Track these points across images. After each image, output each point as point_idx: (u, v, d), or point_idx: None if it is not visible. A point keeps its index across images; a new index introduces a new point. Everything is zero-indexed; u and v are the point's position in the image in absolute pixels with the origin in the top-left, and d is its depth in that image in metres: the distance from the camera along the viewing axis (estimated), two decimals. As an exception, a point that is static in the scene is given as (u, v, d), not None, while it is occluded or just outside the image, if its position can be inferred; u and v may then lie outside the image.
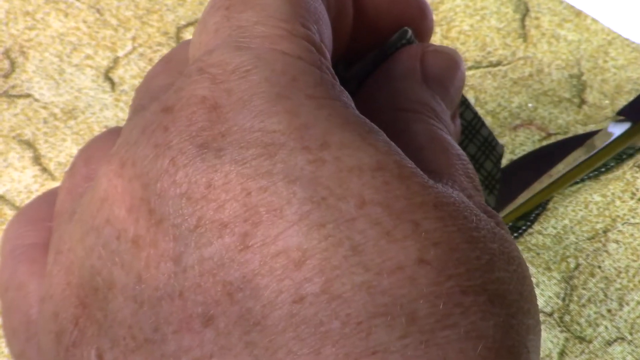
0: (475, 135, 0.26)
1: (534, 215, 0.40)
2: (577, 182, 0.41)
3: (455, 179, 0.18)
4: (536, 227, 0.40)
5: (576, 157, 0.41)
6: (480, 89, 0.47)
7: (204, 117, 0.16)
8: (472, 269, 0.15)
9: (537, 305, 0.17)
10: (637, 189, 0.41)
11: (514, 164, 0.42)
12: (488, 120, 0.45)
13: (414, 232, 0.15)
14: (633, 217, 0.39)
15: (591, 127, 0.44)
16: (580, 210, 0.40)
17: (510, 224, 0.39)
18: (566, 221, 0.40)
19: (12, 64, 0.46)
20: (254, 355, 0.14)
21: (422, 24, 0.23)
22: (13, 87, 0.45)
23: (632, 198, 0.41)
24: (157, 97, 0.17)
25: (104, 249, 0.16)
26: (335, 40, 0.21)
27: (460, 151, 0.19)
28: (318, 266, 0.14)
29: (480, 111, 0.45)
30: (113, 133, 0.19)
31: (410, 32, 0.23)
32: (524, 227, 0.40)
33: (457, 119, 0.23)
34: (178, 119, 0.16)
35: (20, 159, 0.42)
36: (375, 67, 0.22)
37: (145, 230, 0.15)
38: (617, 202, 0.40)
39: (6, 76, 0.45)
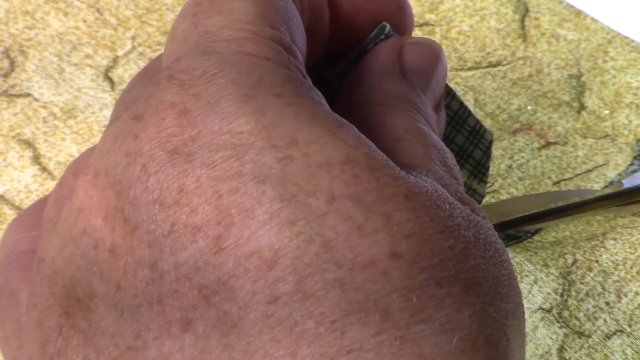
0: (463, 125, 0.26)
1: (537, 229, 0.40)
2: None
3: (430, 168, 0.18)
4: (536, 237, 0.40)
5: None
6: (480, 90, 0.47)
7: (174, 122, 0.16)
8: (445, 259, 0.15)
9: (517, 288, 0.16)
10: None
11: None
12: (487, 123, 0.45)
13: (386, 225, 0.15)
14: (632, 223, 0.39)
15: (590, 141, 0.44)
16: (581, 225, 0.40)
17: (512, 232, 0.39)
18: (567, 233, 0.40)
19: (12, 63, 0.46)
20: (232, 358, 0.14)
21: (401, 19, 0.23)
22: (12, 86, 0.45)
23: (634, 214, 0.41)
24: (129, 108, 0.17)
25: (82, 259, 0.16)
26: (313, 40, 0.21)
27: (437, 140, 0.19)
28: (290, 265, 0.14)
29: (479, 113, 0.45)
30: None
31: (388, 26, 0.22)
32: (524, 237, 0.40)
33: (441, 110, 0.23)
34: (148, 126, 0.16)
35: (20, 158, 0.42)
36: (356, 64, 0.22)
37: (122, 238, 0.15)
38: (618, 219, 0.40)
39: (6, 75, 0.45)
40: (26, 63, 0.46)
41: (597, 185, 0.42)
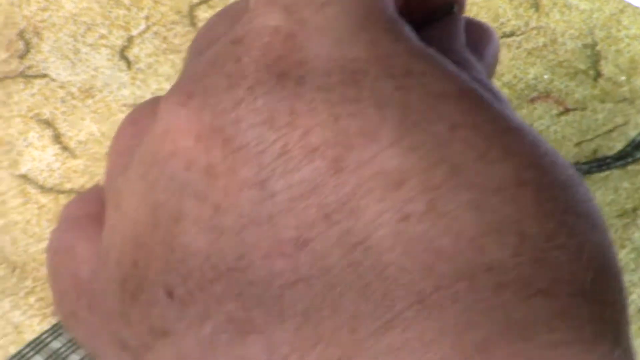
0: None
1: None
2: (604, 170, 0.41)
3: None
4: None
5: None
6: (495, 60, 0.47)
7: (279, 46, 0.16)
8: (565, 189, 0.15)
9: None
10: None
11: None
12: (505, 92, 0.45)
13: (507, 154, 0.15)
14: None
15: (609, 106, 0.44)
16: (610, 194, 0.40)
17: None
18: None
19: (27, 44, 0.46)
20: (359, 273, 0.14)
21: None
22: (29, 67, 0.45)
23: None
24: (218, 40, 0.17)
25: (170, 181, 0.16)
26: None
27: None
28: (419, 186, 0.14)
29: (497, 83, 0.46)
30: (153, 102, 0.19)
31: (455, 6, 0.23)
32: None
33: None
34: (251, 49, 0.16)
35: (40, 138, 0.42)
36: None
37: (221, 159, 0.15)
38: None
39: (21, 57, 0.45)
40: (41, 44, 0.46)
41: (619, 144, 0.42)
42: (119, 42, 0.46)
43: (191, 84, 0.16)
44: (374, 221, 0.14)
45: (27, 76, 0.45)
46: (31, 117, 0.43)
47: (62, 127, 0.42)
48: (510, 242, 0.14)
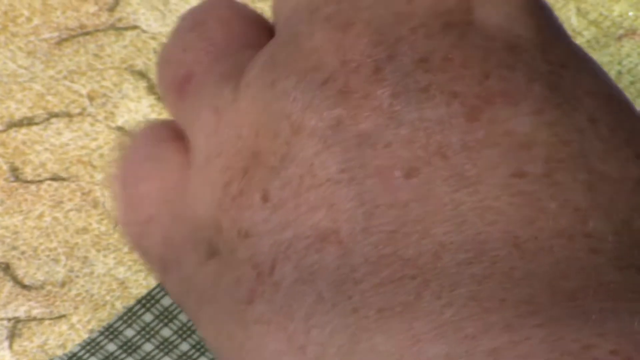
0: None
1: None
2: None
3: None
4: None
5: None
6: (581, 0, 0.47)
7: (453, 2, 0.16)
8: None
9: None
10: None
11: None
12: (592, 31, 0.45)
13: (636, 158, 0.15)
14: None
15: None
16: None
17: None
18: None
19: (116, -4, 0.47)
20: (458, 211, 0.14)
21: None
22: (119, 19, 0.46)
23: None
24: None
25: (302, 93, 0.16)
26: None
27: None
28: (543, 154, 0.15)
29: (582, 21, 0.45)
30: (232, 1, 0.19)
31: None
32: None
33: None
34: None
35: (135, 89, 0.43)
36: None
37: (360, 82, 0.16)
38: None
39: (111, 9, 0.46)
40: (130, -4, 0.47)
41: None
42: (206, -8, 0.47)
43: (352, 12, 0.17)
44: (489, 169, 0.15)
45: (117, 28, 0.45)
46: (125, 69, 0.44)
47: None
48: (614, 222, 0.14)
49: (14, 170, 0.43)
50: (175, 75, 0.19)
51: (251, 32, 0.19)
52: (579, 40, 0.44)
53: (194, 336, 0.38)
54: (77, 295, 0.40)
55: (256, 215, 0.16)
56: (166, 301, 0.38)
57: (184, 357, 0.38)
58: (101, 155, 0.43)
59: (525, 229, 0.14)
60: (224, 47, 0.19)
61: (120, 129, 0.42)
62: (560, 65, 0.16)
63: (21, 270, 0.40)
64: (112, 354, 0.38)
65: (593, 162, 0.15)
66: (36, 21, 0.46)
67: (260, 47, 0.18)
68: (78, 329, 0.39)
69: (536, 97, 0.15)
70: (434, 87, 0.15)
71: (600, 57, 0.44)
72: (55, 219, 0.42)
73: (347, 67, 0.16)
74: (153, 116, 0.42)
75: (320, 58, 0.16)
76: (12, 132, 0.44)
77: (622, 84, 0.43)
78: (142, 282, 0.40)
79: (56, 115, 0.44)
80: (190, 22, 0.19)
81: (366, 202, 0.15)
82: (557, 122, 0.15)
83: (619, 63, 0.44)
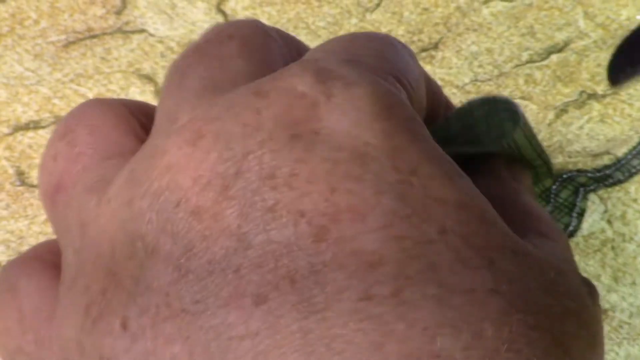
0: (537, 183, 0.26)
1: None
2: None
3: (558, 242, 0.18)
4: None
5: None
6: (588, 4, 0.46)
7: (300, 111, 0.16)
8: (542, 312, 0.15)
9: None
10: None
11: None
12: (599, 33, 0.45)
13: (490, 266, 0.15)
14: None
15: None
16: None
17: None
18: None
19: (123, 0, 0.47)
20: (306, 340, 0.14)
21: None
22: (126, 23, 0.46)
23: None
24: (236, 81, 0.17)
25: (157, 214, 0.16)
26: None
27: (566, 237, 0.20)
28: (392, 273, 0.14)
29: (590, 24, 0.45)
30: (104, 103, 0.19)
31: (521, 111, 0.23)
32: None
33: None
34: (273, 105, 0.16)
35: (142, 93, 0.43)
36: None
37: (212, 202, 0.15)
38: None
39: (118, 13, 0.46)
40: (137, 0, 0.46)
41: None
42: (214, -4, 0.47)
43: (203, 124, 0.16)
44: (336, 295, 0.14)
45: (125, 32, 0.45)
46: (132, 72, 0.44)
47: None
48: (464, 337, 0.14)
49: (20, 174, 0.43)
50: (48, 184, 0.19)
51: (121, 139, 0.19)
52: (586, 41, 0.44)
53: None
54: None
55: (117, 344, 0.15)
56: None
57: None
58: (108, 159, 0.43)
59: (373, 355, 0.14)
60: (92, 157, 0.18)
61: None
62: (410, 172, 0.16)
63: (27, 274, 0.40)
64: None
65: (443, 275, 0.15)
66: (43, 24, 0.46)
67: (132, 154, 0.18)
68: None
69: (384, 211, 0.15)
70: (280, 206, 0.15)
71: (607, 56, 0.44)
72: (61, 222, 0.42)
73: (198, 185, 0.16)
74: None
75: (173, 176, 0.16)
76: (19, 136, 0.44)
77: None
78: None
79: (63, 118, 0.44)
80: (62, 129, 0.19)
81: (220, 335, 0.15)
82: (406, 236, 0.15)
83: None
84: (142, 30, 0.45)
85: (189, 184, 0.16)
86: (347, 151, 0.16)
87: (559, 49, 0.44)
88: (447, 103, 0.23)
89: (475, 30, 0.45)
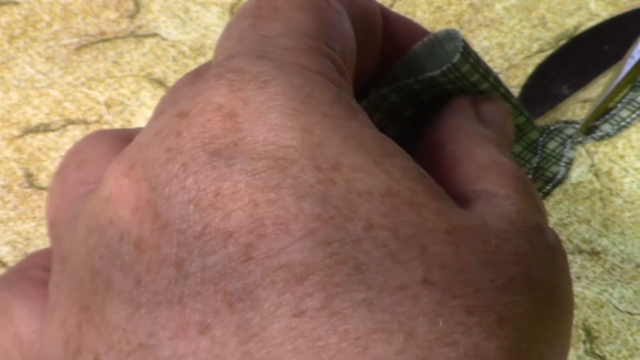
0: (522, 137, 0.26)
1: None
2: None
3: (510, 196, 0.18)
4: None
5: None
6: None
7: (219, 125, 0.16)
8: (482, 290, 0.15)
9: (563, 337, 0.16)
10: None
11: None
12: (609, 10, 0.44)
13: (421, 254, 0.15)
14: None
15: None
16: None
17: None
18: None
19: (137, 4, 0.46)
20: None
21: None
22: (139, 27, 0.46)
23: None
24: (175, 103, 0.17)
25: (105, 249, 0.16)
26: (362, 63, 0.21)
27: (523, 174, 0.19)
28: (320, 282, 0.14)
29: (600, 3, 0.45)
30: (103, 136, 0.20)
31: (461, 35, 0.22)
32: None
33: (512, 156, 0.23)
34: (192, 125, 0.16)
35: (153, 97, 0.43)
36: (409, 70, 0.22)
37: (149, 233, 0.15)
38: None
39: (132, 17, 0.46)
40: (151, 4, 0.46)
41: None
42: (229, 0, 0.46)
43: (135, 152, 0.16)
44: (271, 314, 0.14)
45: (137, 36, 0.45)
46: (143, 77, 0.44)
47: (176, 85, 0.43)
48: (396, 340, 0.14)
49: (29, 176, 0.42)
50: (47, 219, 0.19)
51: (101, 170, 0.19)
52: (596, 21, 0.44)
53: None
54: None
55: None
56: None
57: None
58: (117, 163, 0.42)
59: None
60: (77, 191, 0.18)
61: (136, 136, 0.42)
62: (332, 168, 0.15)
63: (32, 276, 0.40)
64: None
65: (371, 275, 0.14)
66: (56, 26, 0.46)
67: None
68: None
69: (306, 217, 0.15)
70: (209, 230, 0.15)
71: None
72: (68, 226, 0.41)
73: (136, 217, 0.15)
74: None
75: (115, 209, 0.16)
76: (28, 138, 0.43)
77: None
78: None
79: (73, 122, 0.44)
80: (59, 164, 0.20)
81: None
82: (331, 240, 0.15)
83: None
84: (155, 34, 0.45)
85: (128, 216, 0.16)
86: (266, 158, 0.15)
87: (569, 34, 0.44)
88: (385, 14, 0.22)
89: (487, 26, 0.45)
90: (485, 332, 0.14)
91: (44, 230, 0.41)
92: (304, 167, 0.15)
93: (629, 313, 0.35)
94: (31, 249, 0.40)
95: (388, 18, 0.22)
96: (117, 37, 0.45)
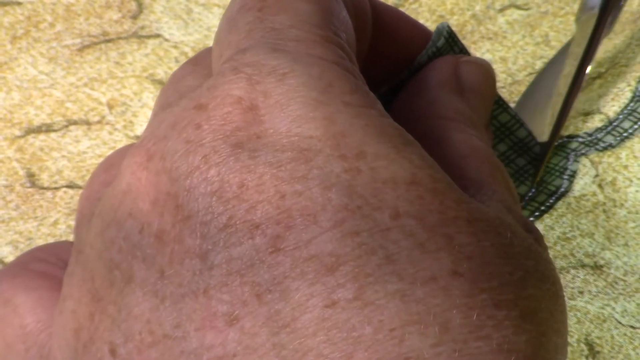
0: (509, 135, 0.26)
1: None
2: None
3: (496, 189, 0.18)
4: None
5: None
6: (607, 17, 0.46)
7: (240, 117, 0.16)
8: (504, 284, 0.15)
9: (566, 325, 0.16)
10: None
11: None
12: (609, 35, 0.44)
13: (448, 245, 0.15)
14: None
15: None
16: None
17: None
18: None
19: (140, 5, 0.47)
20: (281, 357, 0.14)
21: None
22: (142, 28, 0.46)
23: None
24: (186, 95, 0.17)
25: (124, 242, 0.16)
26: (357, 53, 0.20)
27: (500, 163, 0.19)
28: (351, 273, 0.14)
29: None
30: (127, 150, 0.20)
31: (447, 26, 0.22)
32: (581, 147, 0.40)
33: (489, 129, 0.23)
34: (212, 117, 0.16)
35: (155, 98, 0.43)
36: (411, 77, 0.22)
37: (171, 225, 0.15)
38: None
39: (134, 17, 0.46)
40: (154, 5, 0.46)
41: None
42: (229, 2, 0.47)
43: (152, 144, 0.16)
44: (302, 305, 0.14)
45: (140, 36, 0.45)
46: (145, 78, 0.44)
47: (178, 86, 0.43)
48: (431, 332, 0.14)
49: (31, 176, 0.42)
50: (76, 216, 0.19)
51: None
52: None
53: None
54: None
55: None
56: None
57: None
58: (119, 164, 0.42)
59: None
60: (98, 192, 0.19)
61: (138, 138, 0.42)
62: (357, 156, 0.15)
63: (34, 276, 0.40)
64: None
65: (402, 266, 0.14)
66: (59, 27, 0.46)
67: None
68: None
69: (334, 207, 0.15)
70: (234, 221, 0.15)
71: (615, 41, 0.44)
72: (69, 226, 0.41)
73: (157, 209, 0.16)
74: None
75: (133, 201, 0.16)
76: (30, 138, 0.43)
77: (630, 50, 0.43)
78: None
79: (75, 122, 0.44)
80: (93, 172, 0.20)
81: (201, 357, 0.14)
82: (360, 230, 0.15)
83: (631, 38, 0.44)
84: (157, 35, 0.45)
85: (148, 208, 0.16)
86: (291, 150, 0.15)
87: None
88: (373, 3, 0.22)
89: (490, 38, 0.45)
90: (514, 327, 0.15)
91: (45, 230, 0.41)
92: (329, 157, 0.15)
93: (632, 327, 0.35)
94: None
95: (377, 8, 0.22)
96: (119, 38, 0.45)
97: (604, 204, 0.38)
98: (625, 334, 0.35)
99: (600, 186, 0.38)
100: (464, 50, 0.23)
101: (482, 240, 0.15)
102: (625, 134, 0.40)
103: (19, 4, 0.47)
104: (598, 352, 0.34)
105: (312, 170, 0.15)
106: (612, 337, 0.35)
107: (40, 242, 0.40)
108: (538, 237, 0.17)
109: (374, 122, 0.16)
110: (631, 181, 0.38)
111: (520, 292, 0.15)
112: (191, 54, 0.44)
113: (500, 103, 0.24)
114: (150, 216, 0.16)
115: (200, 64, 0.20)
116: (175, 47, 0.45)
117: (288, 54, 0.17)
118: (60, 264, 0.19)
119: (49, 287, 0.18)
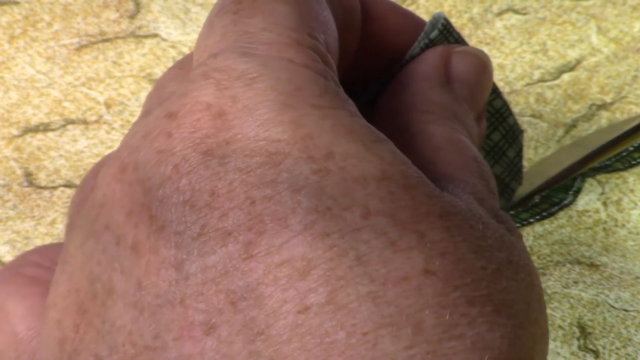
0: (502, 123, 0.26)
1: (574, 189, 0.40)
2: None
3: (469, 181, 0.18)
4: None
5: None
6: (601, 18, 0.46)
7: (209, 124, 0.16)
8: (478, 279, 0.15)
9: (545, 314, 0.16)
10: None
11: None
12: (612, 47, 0.45)
13: (419, 242, 0.15)
14: None
15: None
16: None
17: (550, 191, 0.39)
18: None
19: (137, 5, 0.47)
20: None
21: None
22: (139, 27, 0.46)
23: None
24: (162, 103, 0.17)
25: (103, 254, 0.16)
26: (341, 52, 0.20)
27: (477, 153, 0.19)
28: (323, 276, 0.14)
29: (602, 39, 0.45)
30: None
31: (443, 17, 0.22)
32: (564, 201, 0.40)
33: (483, 120, 0.23)
34: (182, 125, 0.16)
35: (153, 97, 0.43)
36: (401, 69, 0.22)
37: (146, 236, 0.15)
38: None
39: (132, 17, 0.46)
40: (151, 4, 0.47)
41: None
42: (226, 2, 0.47)
43: (126, 155, 0.16)
44: (276, 311, 0.14)
45: (137, 36, 0.45)
46: (143, 77, 0.44)
47: (176, 86, 0.43)
48: (404, 335, 0.14)
49: (28, 175, 0.42)
50: (66, 221, 0.20)
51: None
52: (598, 57, 0.44)
53: None
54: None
55: None
56: None
57: None
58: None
59: None
60: (83, 200, 0.19)
61: (136, 136, 0.42)
62: (326, 157, 0.15)
63: (32, 275, 0.40)
64: None
65: (374, 267, 0.14)
66: (56, 26, 0.46)
67: None
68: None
69: (304, 210, 0.15)
70: (207, 229, 0.15)
71: (618, 67, 0.44)
72: (67, 225, 0.41)
73: (131, 220, 0.16)
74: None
75: (109, 213, 0.16)
76: (28, 138, 0.43)
77: (637, 84, 0.43)
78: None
79: (72, 122, 0.44)
80: (84, 176, 0.20)
81: None
82: (330, 231, 0.14)
83: (636, 70, 0.44)
84: (155, 35, 0.45)
85: (123, 220, 0.16)
86: (259, 155, 0.15)
87: (571, 67, 0.44)
88: None
89: (487, 44, 0.45)
90: (488, 323, 0.14)
91: (43, 229, 0.41)
92: (297, 160, 0.15)
93: (625, 310, 0.35)
94: (30, 248, 0.40)
95: (366, 0, 0.22)
96: (117, 38, 0.45)
97: (605, 222, 0.38)
98: (617, 316, 0.35)
99: (604, 204, 0.39)
100: (459, 40, 0.23)
101: (455, 235, 0.15)
102: (634, 162, 0.40)
103: (17, 3, 0.47)
104: (589, 333, 0.34)
105: (281, 173, 0.15)
106: (605, 319, 0.35)
107: (38, 241, 0.40)
108: (511, 227, 0.17)
109: (343, 122, 0.16)
110: (636, 204, 0.39)
111: (494, 286, 0.15)
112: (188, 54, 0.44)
113: (494, 88, 0.24)
114: (125, 228, 0.15)
115: (184, 68, 0.20)
116: (172, 46, 0.45)
117: (258, 58, 0.16)
118: (53, 268, 0.19)
119: (41, 294, 0.18)
